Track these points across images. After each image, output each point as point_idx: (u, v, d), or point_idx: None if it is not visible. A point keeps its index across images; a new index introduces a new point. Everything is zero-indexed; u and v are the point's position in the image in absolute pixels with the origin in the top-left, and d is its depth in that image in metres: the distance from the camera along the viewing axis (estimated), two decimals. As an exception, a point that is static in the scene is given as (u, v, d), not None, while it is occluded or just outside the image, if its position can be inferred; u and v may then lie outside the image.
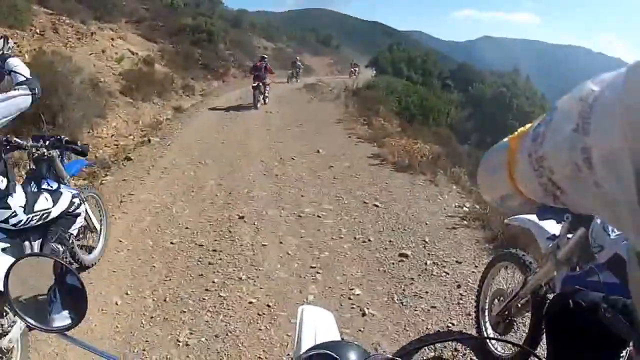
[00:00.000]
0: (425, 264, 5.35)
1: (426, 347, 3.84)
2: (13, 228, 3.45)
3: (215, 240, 6.02)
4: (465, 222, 6.53)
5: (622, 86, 0.49)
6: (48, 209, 3.74)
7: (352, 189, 7.87)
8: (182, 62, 21.76)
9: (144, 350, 3.91)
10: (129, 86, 14.49)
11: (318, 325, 1.67)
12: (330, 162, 9.32)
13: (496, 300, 3.55)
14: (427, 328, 4.17)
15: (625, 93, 0.48)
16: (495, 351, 3.54)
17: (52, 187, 3.97)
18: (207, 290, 4.91)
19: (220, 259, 5.53)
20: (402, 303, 4.54)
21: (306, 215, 6.80)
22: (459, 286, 4.89)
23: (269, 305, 4.54)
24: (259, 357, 3.82)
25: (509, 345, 3.49)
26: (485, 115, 34.84)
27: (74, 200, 4.09)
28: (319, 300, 4.54)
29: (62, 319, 1.19)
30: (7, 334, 3.04)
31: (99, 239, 5.31)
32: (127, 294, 4.80)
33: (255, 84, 16.17)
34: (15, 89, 3.24)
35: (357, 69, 35.38)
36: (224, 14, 36.42)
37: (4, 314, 3.00)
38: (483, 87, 36.51)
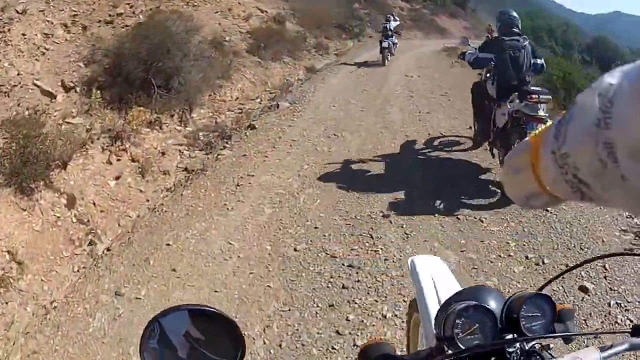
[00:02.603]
0: (609, 304, 3.61)
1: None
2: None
3: (352, 249, 4.41)
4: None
5: None
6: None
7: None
8: (314, 21, 20.24)
9: None
10: (257, 45, 13.12)
11: (433, 274, 1.70)
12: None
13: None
14: None
15: None
16: None
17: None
18: (338, 333, 3.39)
19: (358, 281, 3.95)
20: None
21: (466, 217, 4.95)
22: None
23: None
24: None
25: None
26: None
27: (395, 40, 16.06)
28: None
29: None
30: None
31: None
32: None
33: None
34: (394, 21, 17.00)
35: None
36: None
37: None
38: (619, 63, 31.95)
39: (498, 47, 5.90)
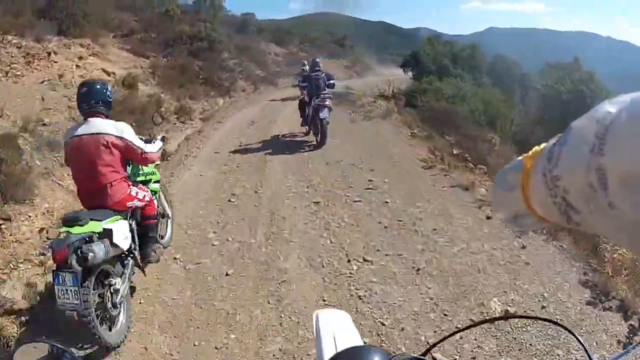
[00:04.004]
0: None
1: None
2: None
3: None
4: None
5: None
6: None
7: None
8: (177, 78, 16.78)
9: None
10: (90, 125, 9.42)
11: (336, 328, 1.62)
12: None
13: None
14: None
15: None
16: None
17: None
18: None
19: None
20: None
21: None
22: None
23: None
24: None
25: None
26: (562, 121, 25.12)
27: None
28: None
29: None
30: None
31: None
32: None
33: None
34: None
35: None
36: (226, 20, 31.09)
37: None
38: (547, 82, 27.58)
39: (309, 78, 10.78)
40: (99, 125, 4.12)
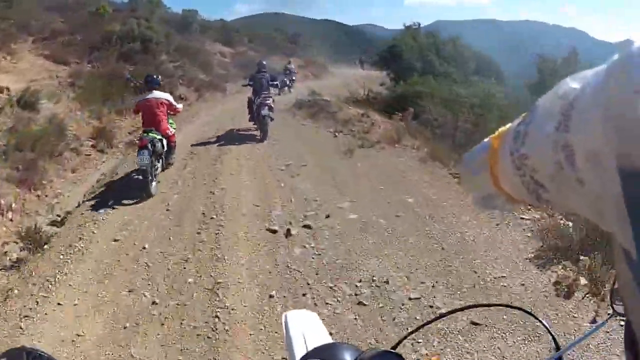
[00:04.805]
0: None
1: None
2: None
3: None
4: None
5: (602, 82, 0.47)
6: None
7: None
8: (103, 88, 13.24)
9: None
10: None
11: (305, 328, 1.59)
12: None
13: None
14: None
15: (605, 89, 0.46)
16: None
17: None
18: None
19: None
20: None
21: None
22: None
23: None
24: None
25: None
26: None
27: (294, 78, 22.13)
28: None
29: None
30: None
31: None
32: None
33: None
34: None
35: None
36: (166, 18, 27.30)
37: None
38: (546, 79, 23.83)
39: (254, 78, 11.95)
40: (158, 94, 8.27)
